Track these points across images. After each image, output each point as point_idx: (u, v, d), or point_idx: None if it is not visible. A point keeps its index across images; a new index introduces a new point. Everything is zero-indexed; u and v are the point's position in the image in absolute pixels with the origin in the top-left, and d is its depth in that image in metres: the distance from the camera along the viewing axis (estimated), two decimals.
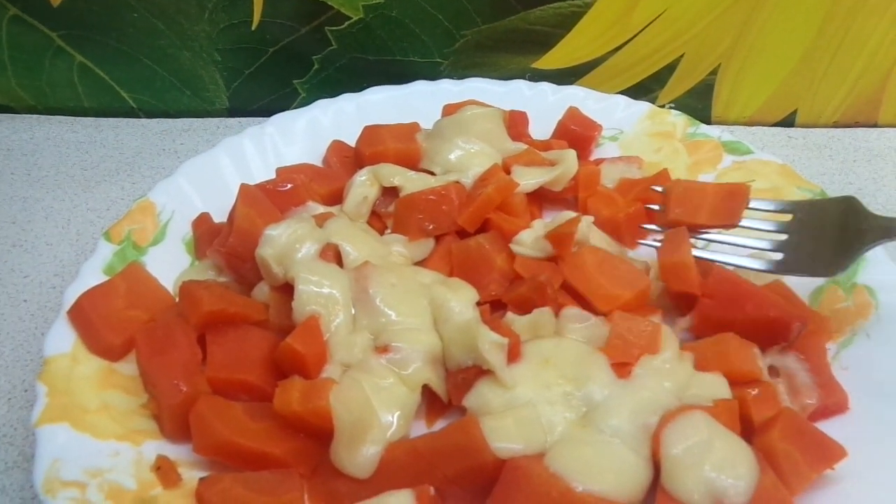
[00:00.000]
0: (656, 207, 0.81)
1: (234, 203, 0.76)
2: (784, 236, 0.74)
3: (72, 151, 1.03)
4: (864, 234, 0.68)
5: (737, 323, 0.68)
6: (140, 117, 1.09)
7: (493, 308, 0.72)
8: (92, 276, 0.73)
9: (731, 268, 0.73)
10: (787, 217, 0.75)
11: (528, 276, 0.74)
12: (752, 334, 0.67)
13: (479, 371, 0.65)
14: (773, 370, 0.67)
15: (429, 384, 0.66)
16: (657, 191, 0.82)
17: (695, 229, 0.77)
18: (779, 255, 0.74)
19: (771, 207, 0.76)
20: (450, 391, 0.66)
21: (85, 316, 0.68)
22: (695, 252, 0.73)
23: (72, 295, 0.70)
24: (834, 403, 0.65)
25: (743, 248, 0.75)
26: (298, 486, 0.60)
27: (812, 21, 0.98)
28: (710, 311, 0.70)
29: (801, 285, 0.74)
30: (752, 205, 0.76)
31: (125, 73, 1.06)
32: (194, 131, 1.06)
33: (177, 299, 0.73)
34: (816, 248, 0.72)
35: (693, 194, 0.79)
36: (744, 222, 0.76)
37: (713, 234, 0.77)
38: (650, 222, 0.81)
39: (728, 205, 0.77)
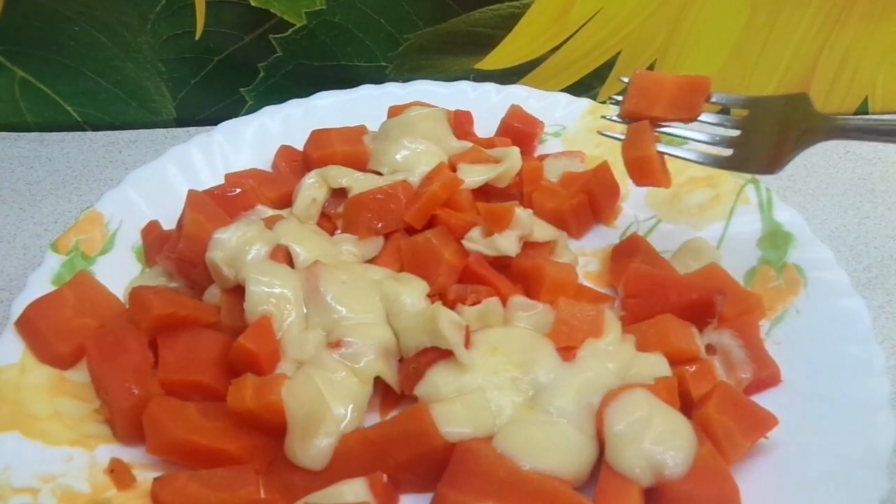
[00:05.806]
0: (619, 98, 0.79)
1: (182, 209, 0.76)
2: (737, 132, 0.74)
3: (16, 166, 1.02)
4: (806, 132, 0.68)
5: (665, 313, 0.70)
6: (85, 130, 1.08)
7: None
8: (39, 286, 0.72)
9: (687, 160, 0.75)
10: (744, 112, 0.74)
11: (479, 270, 0.76)
12: (683, 318, 0.69)
13: (430, 360, 0.66)
14: (710, 348, 0.70)
15: (381, 376, 0.67)
16: (623, 81, 0.80)
17: (653, 121, 0.75)
18: (729, 152, 0.74)
19: (729, 102, 0.75)
20: (402, 381, 0.68)
21: (33, 326, 0.68)
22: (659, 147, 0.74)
23: (19, 306, 0.69)
24: (767, 376, 0.68)
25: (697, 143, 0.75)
26: (254, 480, 0.60)
27: (740, 14, 1.03)
28: (637, 309, 0.72)
29: (735, 267, 0.77)
30: (712, 99, 0.75)
31: (69, 86, 1.05)
32: (141, 142, 1.06)
33: (127, 306, 0.73)
34: (763, 146, 0.71)
35: (652, 86, 0.77)
36: (703, 117, 0.75)
37: (672, 128, 0.76)
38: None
39: (687, 97, 0.75)
